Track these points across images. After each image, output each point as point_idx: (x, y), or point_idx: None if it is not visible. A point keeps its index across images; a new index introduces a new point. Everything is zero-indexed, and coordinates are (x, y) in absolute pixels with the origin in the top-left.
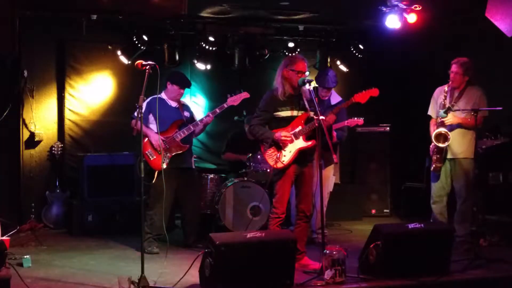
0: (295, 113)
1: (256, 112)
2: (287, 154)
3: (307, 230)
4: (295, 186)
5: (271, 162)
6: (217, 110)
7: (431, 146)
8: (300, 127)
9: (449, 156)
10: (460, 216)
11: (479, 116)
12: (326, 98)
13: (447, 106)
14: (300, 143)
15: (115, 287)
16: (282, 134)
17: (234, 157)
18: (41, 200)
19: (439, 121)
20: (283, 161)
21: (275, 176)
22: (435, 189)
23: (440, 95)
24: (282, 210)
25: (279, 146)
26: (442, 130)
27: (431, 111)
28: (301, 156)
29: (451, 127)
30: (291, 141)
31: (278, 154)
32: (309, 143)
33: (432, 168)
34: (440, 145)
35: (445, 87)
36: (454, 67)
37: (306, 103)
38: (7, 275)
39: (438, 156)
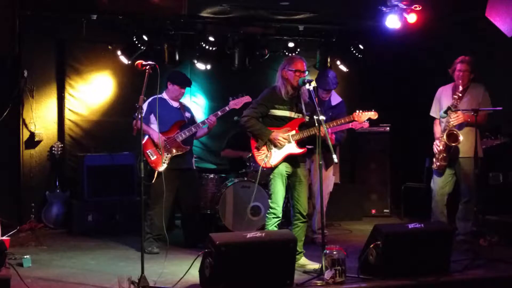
0: (292, 114)
1: (253, 104)
2: (276, 156)
3: (305, 230)
4: (289, 187)
5: (260, 161)
6: (219, 113)
7: (436, 144)
8: (294, 132)
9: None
10: (463, 213)
11: (484, 113)
12: (326, 99)
13: (454, 104)
14: (291, 148)
15: (115, 287)
16: (280, 136)
17: (233, 153)
18: (41, 200)
19: (446, 121)
20: (272, 162)
21: (268, 176)
22: (437, 187)
23: (442, 94)
24: (279, 209)
25: (271, 145)
26: (455, 130)
27: (434, 112)
28: (291, 159)
29: (460, 126)
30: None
31: (268, 154)
32: (301, 150)
33: (437, 166)
34: (452, 144)
35: (450, 87)
36: (461, 66)
37: (303, 106)
38: (7, 275)
39: (444, 155)
